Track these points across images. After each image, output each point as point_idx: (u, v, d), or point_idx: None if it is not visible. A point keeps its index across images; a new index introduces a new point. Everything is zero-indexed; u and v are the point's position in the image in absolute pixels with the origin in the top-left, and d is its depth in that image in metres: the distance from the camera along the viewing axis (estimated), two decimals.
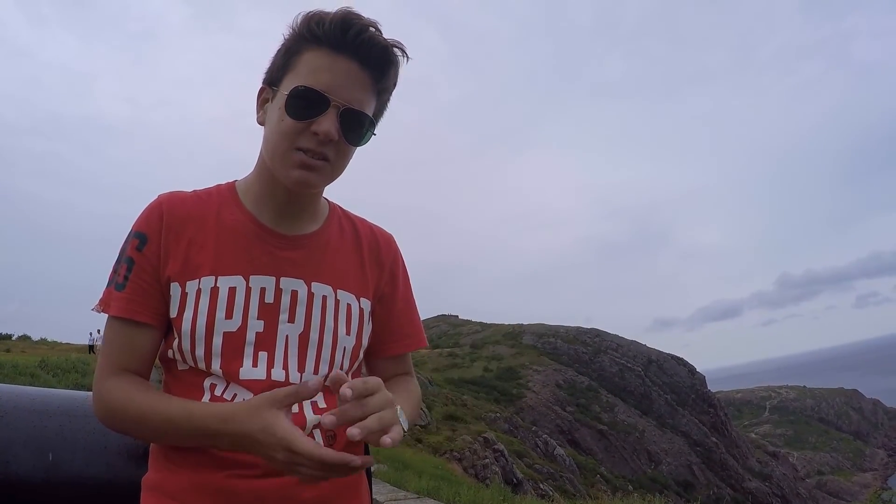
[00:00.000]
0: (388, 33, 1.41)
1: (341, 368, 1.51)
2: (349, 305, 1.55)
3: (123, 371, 1.43)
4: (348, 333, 1.53)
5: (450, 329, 79.62)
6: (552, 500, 14.07)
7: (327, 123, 1.37)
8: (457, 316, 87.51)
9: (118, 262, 1.47)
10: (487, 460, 25.18)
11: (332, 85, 1.37)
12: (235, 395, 1.41)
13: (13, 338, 39.32)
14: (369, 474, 1.66)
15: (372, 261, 1.64)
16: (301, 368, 1.46)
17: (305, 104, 1.37)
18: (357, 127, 1.42)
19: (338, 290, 1.54)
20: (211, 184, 1.60)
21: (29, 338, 40.31)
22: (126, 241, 1.47)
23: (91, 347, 34.93)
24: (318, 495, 1.42)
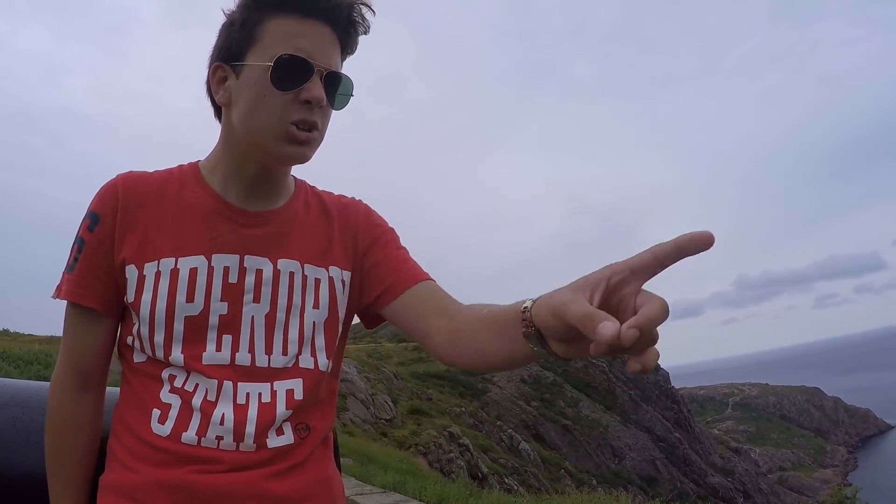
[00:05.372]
0: None
1: (314, 344, 1.42)
2: (318, 280, 1.44)
3: (82, 387, 1.39)
4: (316, 307, 1.42)
5: None
6: (517, 495, 14.04)
7: (317, 89, 1.29)
8: None
9: (73, 243, 1.38)
10: (452, 454, 25.19)
11: (311, 50, 1.29)
12: (197, 384, 1.31)
13: None
14: (339, 468, 1.54)
15: (343, 227, 1.53)
16: (268, 350, 1.36)
17: (290, 73, 1.28)
18: (340, 90, 1.36)
19: (305, 265, 1.44)
20: None
21: None
22: (81, 222, 1.38)
23: None
24: (288, 491, 1.33)
